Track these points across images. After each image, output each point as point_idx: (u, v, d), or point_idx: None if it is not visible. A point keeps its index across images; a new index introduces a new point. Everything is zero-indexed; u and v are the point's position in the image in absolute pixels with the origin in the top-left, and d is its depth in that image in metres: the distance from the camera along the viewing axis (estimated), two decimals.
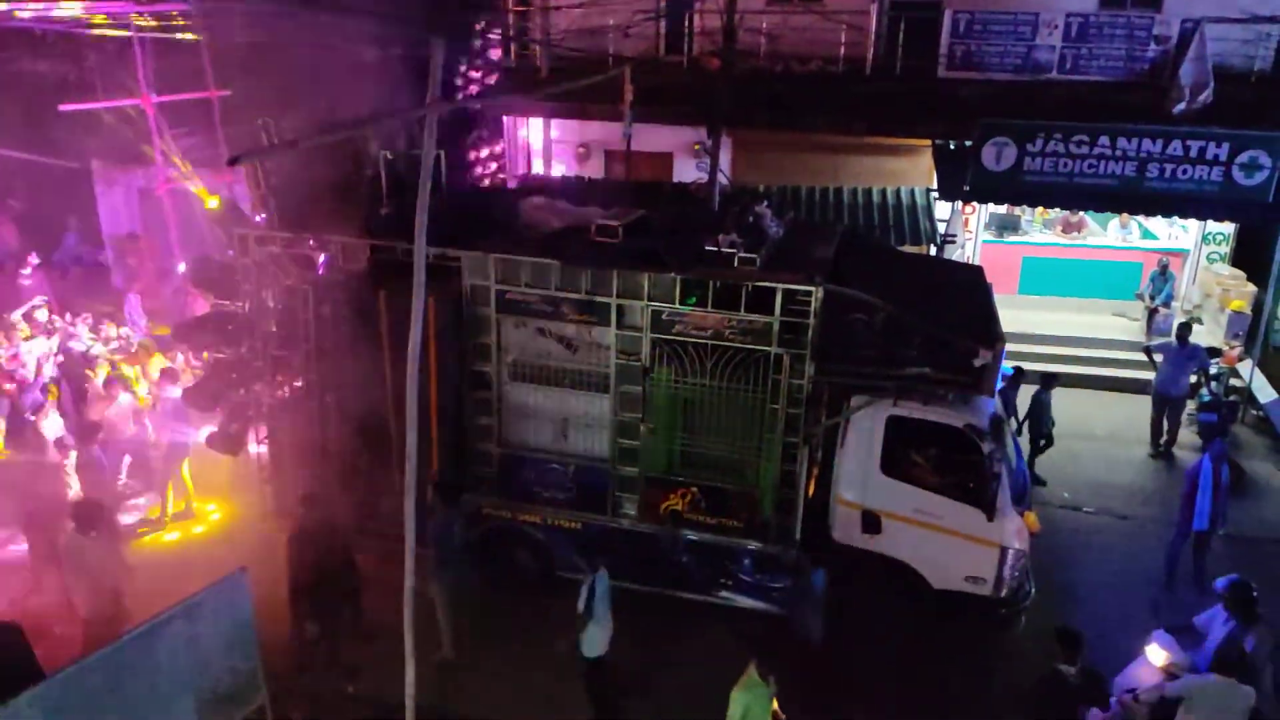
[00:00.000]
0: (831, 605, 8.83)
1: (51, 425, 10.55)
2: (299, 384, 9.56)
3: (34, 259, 15.34)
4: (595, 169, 17.01)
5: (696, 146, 16.23)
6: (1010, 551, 8.34)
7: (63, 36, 16.20)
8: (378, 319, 8.93)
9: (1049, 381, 11.91)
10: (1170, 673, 7.23)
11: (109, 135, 15.78)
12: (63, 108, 15.12)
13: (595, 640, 7.74)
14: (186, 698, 6.46)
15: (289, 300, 9.35)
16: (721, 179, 13.71)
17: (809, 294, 8.11)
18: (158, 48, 15.00)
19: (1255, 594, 7.31)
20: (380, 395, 9.06)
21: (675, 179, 16.52)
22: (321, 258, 9.21)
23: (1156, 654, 7.43)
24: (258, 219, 9.66)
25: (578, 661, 7.84)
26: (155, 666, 6.20)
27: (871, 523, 8.62)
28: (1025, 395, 11.86)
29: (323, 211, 9.13)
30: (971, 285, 9.94)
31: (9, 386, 11.48)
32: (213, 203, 13.43)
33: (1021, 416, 11.80)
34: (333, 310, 9.19)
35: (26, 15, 14.34)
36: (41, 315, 13.10)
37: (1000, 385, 10.95)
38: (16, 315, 12.94)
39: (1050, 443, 11.98)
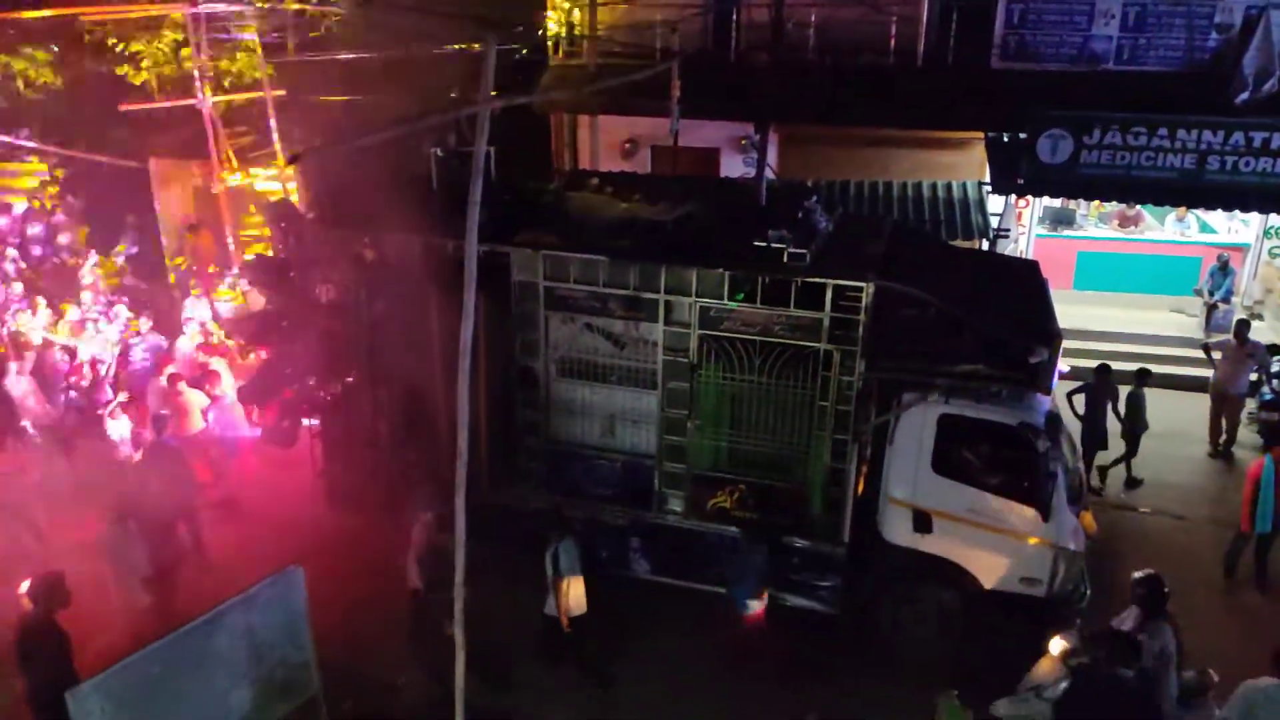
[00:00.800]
0: (884, 605, 8.78)
1: (120, 425, 10.82)
2: (351, 380, 9.69)
3: (94, 257, 15.74)
4: (641, 165, 16.99)
5: (743, 141, 16.13)
6: (1066, 552, 8.19)
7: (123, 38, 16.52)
8: (428, 315, 9.02)
9: (1144, 377, 11.71)
10: (1068, 664, 7.24)
11: (167, 134, 16.19)
12: (122, 108, 15.47)
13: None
14: (242, 687, 6.59)
15: (341, 297, 9.48)
16: (768, 174, 13.62)
17: (860, 290, 8.03)
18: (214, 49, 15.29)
19: (1166, 591, 7.22)
20: (431, 391, 9.15)
21: (722, 174, 16.45)
22: (373, 255, 9.33)
23: (1056, 644, 7.42)
24: (311, 216, 9.81)
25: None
26: (212, 656, 6.34)
27: (922, 522, 8.51)
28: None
29: (375, 209, 9.24)
30: (1027, 280, 9.76)
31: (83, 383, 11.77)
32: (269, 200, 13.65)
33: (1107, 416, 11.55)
34: (384, 307, 9.30)
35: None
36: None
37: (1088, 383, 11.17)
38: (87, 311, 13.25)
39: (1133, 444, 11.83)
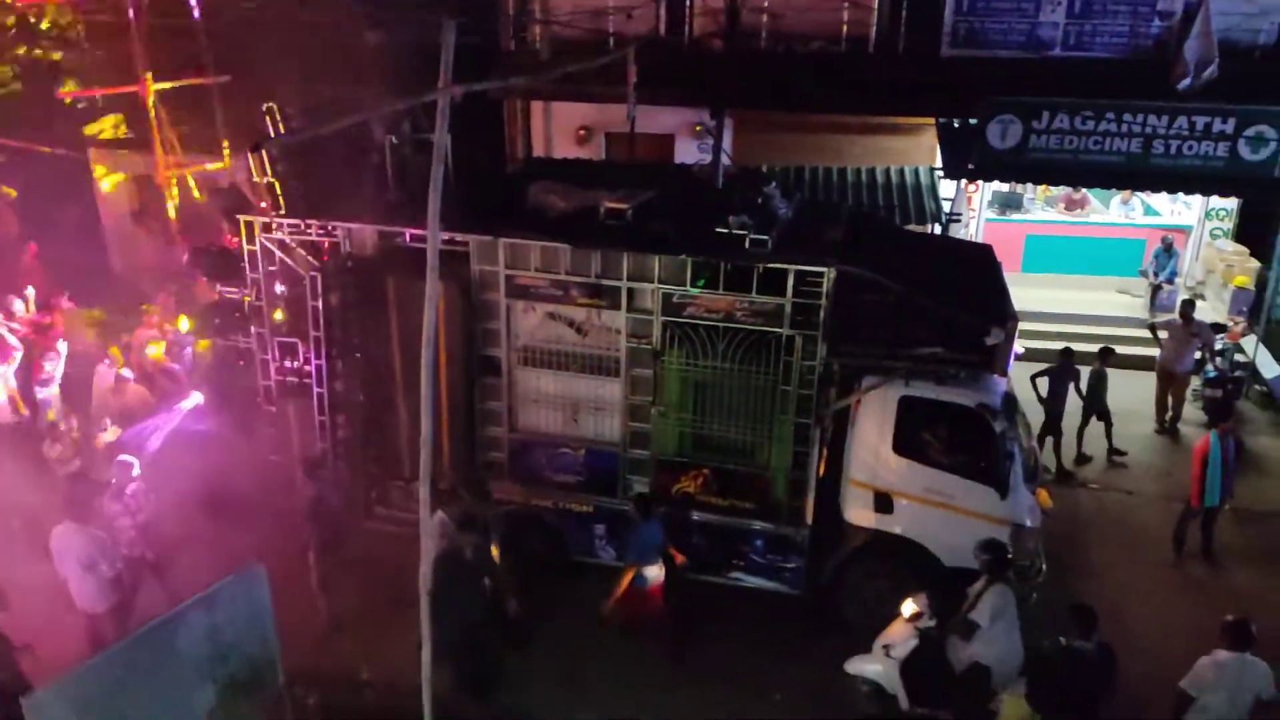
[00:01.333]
0: (847, 585, 8.90)
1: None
2: (307, 371, 9.53)
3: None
4: (596, 151, 16.91)
5: (698, 128, 16.12)
6: (1023, 529, 8.36)
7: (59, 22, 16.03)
8: (386, 305, 8.91)
9: (1106, 356, 12.00)
10: (917, 625, 7.54)
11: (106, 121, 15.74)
12: (60, 94, 15.00)
13: None
14: (206, 686, 6.45)
15: (295, 287, 9.31)
16: (724, 160, 13.65)
17: (821, 275, 8.09)
18: (155, 33, 14.86)
19: (1009, 555, 7.55)
20: (390, 382, 9.05)
21: (677, 160, 16.43)
22: (328, 244, 9.18)
23: (908, 607, 7.67)
24: (261, 205, 9.60)
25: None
26: (175, 657, 6.19)
27: (883, 503, 8.63)
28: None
29: (330, 197, 9.09)
30: (982, 264, 9.92)
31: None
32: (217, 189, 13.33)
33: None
34: (340, 297, 9.16)
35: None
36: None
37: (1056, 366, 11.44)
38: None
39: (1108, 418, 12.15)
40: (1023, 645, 7.44)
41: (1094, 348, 14.20)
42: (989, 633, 7.26)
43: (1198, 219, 16.06)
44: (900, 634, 7.69)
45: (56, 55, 15.88)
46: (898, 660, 7.57)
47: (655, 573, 8.48)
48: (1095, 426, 12.15)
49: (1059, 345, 14.49)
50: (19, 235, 16.65)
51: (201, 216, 15.02)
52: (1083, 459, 12.21)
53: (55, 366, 11.53)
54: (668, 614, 8.62)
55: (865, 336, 8.33)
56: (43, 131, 16.12)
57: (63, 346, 11.71)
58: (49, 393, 11.37)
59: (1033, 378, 11.62)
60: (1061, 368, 11.65)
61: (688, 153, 16.49)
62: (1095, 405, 12.03)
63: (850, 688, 7.93)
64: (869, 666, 7.84)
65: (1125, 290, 16.06)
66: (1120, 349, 14.25)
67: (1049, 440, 11.88)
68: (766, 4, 14.31)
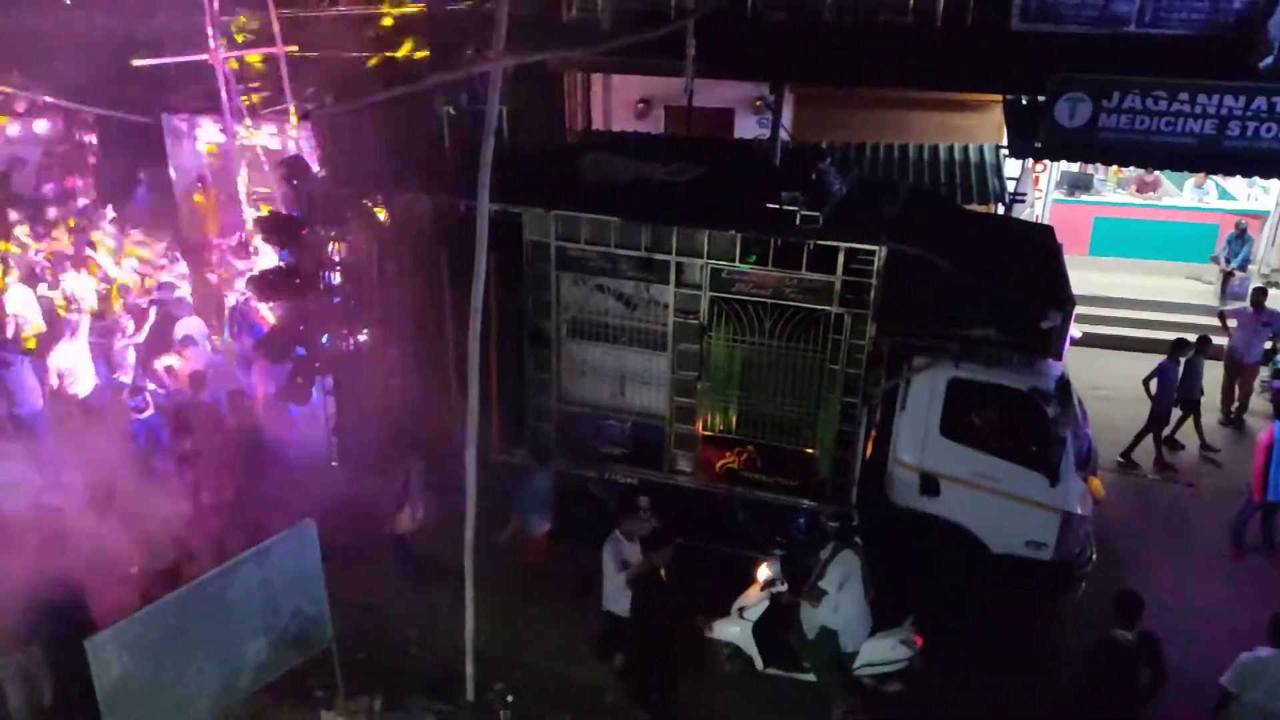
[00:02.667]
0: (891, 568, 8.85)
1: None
2: (364, 338, 9.75)
3: (110, 212, 15.76)
4: (655, 125, 16.87)
5: (758, 102, 15.99)
6: (1073, 517, 8.23)
7: None
8: (440, 274, 9.04)
9: (1204, 346, 11.70)
10: (768, 590, 7.89)
11: (179, 89, 16.12)
12: (134, 63, 15.40)
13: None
14: (258, 639, 6.72)
15: (354, 255, 9.51)
16: (783, 135, 13.52)
17: (872, 253, 8.01)
18: (227, 4, 15.17)
19: (855, 523, 7.67)
20: (443, 350, 9.20)
21: (736, 135, 16.32)
22: (385, 213, 9.34)
23: (762, 572, 8.01)
24: (323, 174, 9.80)
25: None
26: (227, 609, 6.45)
27: (930, 485, 8.55)
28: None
29: (387, 167, 9.23)
30: (1041, 246, 9.69)
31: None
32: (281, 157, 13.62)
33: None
34: (396, 265, 9.32)
35: None
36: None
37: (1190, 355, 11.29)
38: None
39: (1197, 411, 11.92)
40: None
41: (1160, 335, 13.95)
42: (836, 598, 7.47)
43: (1275, 204, 15.47)
44: (753, 598, 8.03)
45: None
46: (750, 622, 7.89)
47: (540, 523, 8.80)
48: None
49: (1126, 331, 14.29)
50: (95, 200, 17.25)
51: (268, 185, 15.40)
52: (1174, 445, 11.95)
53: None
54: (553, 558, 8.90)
55: (916, 316, 8.24)
56: (119, 100, 16.59)
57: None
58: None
59: (1144, 381, 11.38)
60: (1172, 362, 11.34)
61: (748, 128, 16.38)
62: (1188, 394, 11.69)
63: (713, 650, 8.16)
64: (727, 629, 8.08)
65: (1196, 276, 15.58)
66: (1188, 337, 13.92)
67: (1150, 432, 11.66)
68: None
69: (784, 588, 7.83)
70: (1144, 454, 11.81)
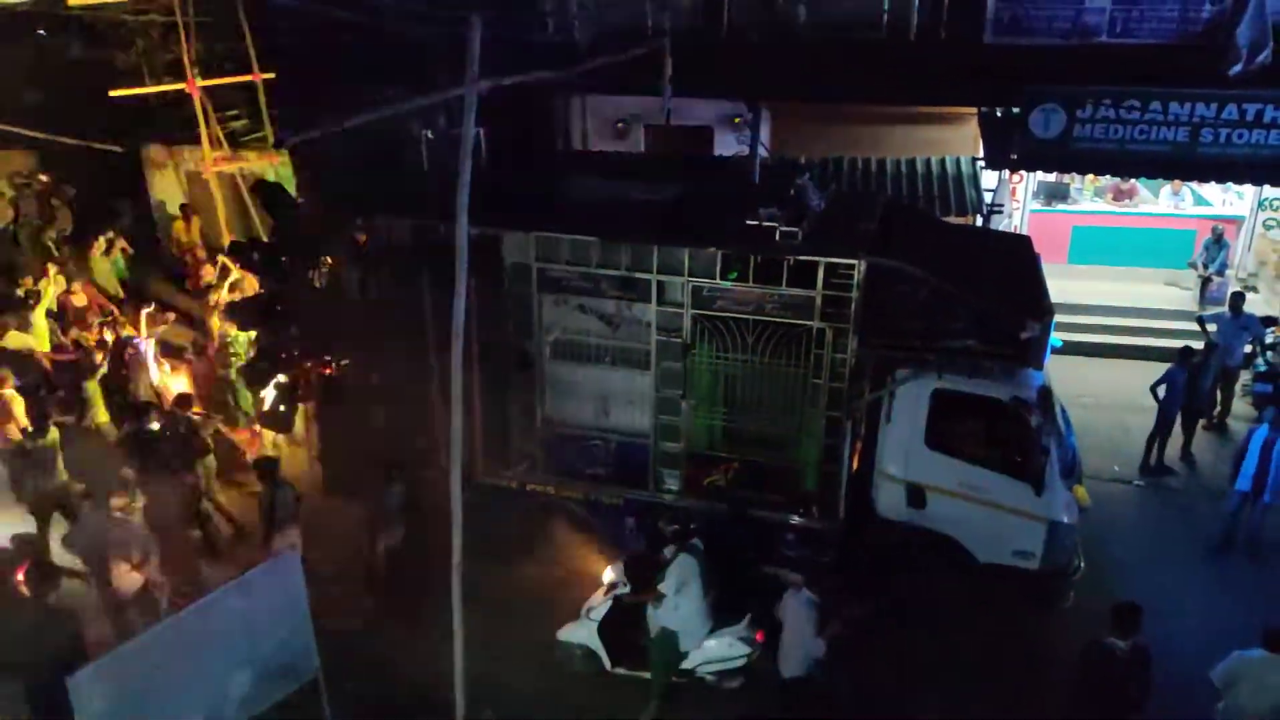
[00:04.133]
0: (877, 579, 8.84)
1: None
2: (345, 363, 9.70)
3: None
4: (634, 144, 16.91)
5: (736, 120, 16.03)
6: (1059, 526, 8.24)
7: (112, 24, 16.43)
8: (420, 298, 9.02)
9: (1212, 351, 11.84)
10: (612, 591, 8.19)
11: (158, 120, 16.07)
12: (113, 93, 15.38)
13: None
14: (243, 672, 6.63)
15: (334, 280, 9.48)
16: (761, 152, 13.58)
17: (852, 267, 8.04)
18: (203, 32, 15.19)
19: (693, 525, 8.18)
20: (425, 374, 9.16)
21: (715, 152, 16.38)
22: (365, 238, 9.32)
23: (607, 574, 8.37)
24: (302, 200, 9.79)
25: None
26: (210, 642, 6.37)
27: (916, 497, 8.55)
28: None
29: (366, 191, 9.22)
30: (1019, 256, 9.77)
31: None
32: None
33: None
34: (377, 289, 9.30)
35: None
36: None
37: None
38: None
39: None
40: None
41: (1140, 341, 14.06)
42: (675, 599, 7.69)
43: (1250, 209, 15.62)
44: (598, 599, 8.32)
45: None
46: (595, 623, 8.14)
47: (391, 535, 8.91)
48: (1141, 421, 11.88)
49: (1105, 339, 14.36)
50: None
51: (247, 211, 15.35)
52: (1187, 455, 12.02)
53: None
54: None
55: (897, 329, 8.27)
56: (97, 129, 16.53)
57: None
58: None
59: (1152, 388, 11.39)
60: (1180, 368, 11.39)
61: (726, 145, 16.42)
62: (1195, 401, 11.76)
63: (566, 652, 8.35)
64: (576, 630, 8.30)
65: (1174, 283, 15.68)
66: (1168, 343, 14.01)
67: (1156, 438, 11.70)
68: None
69: (626, 589, 8.02)
70: (1139, 461, 11.89)
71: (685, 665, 7.96)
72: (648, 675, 8.04)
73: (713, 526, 8.75)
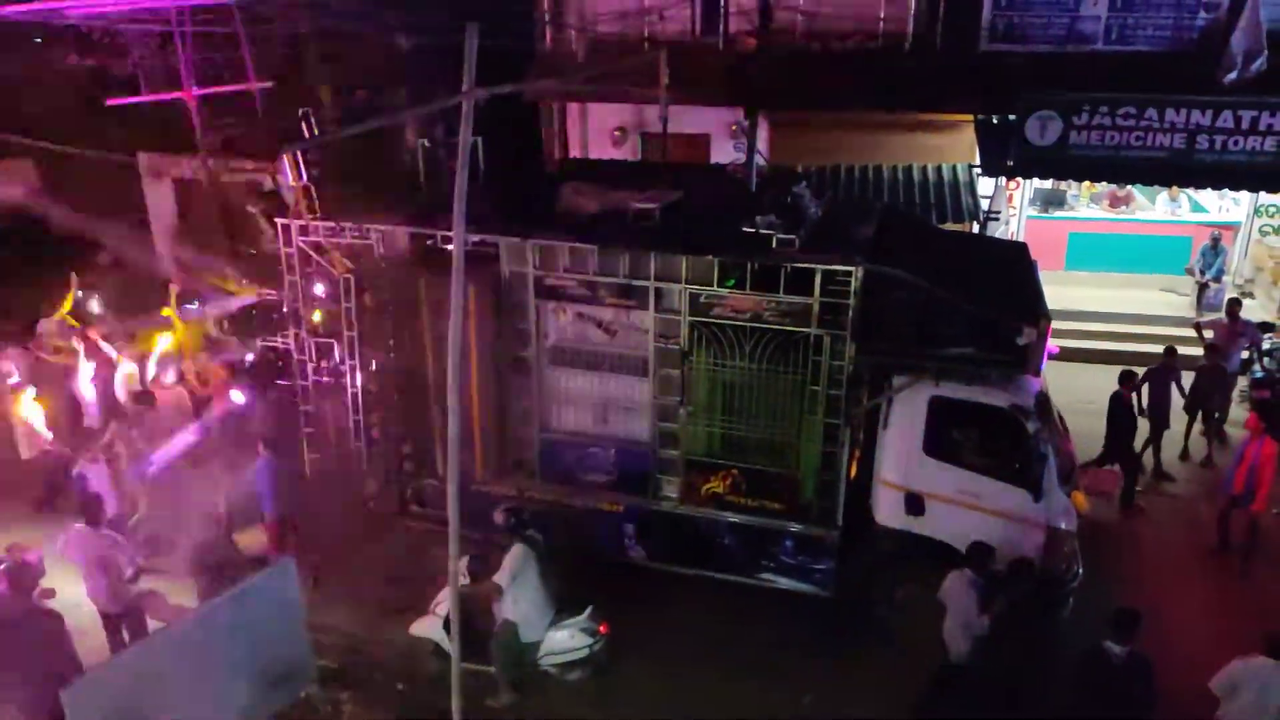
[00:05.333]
0: (878, 587, 8.84)
1: None
2: (342, 371, 9.68)
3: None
4: (632, 152, 16.95)
5: (734, 127, 16.07)
6: (1058, 532, 8.23)
7: (108, 33, 16.47)
8: (418, 306, 9.02)
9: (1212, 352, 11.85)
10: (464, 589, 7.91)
11: (154, 128, 16.08)
12: (109, 102, 15.40)
13: None
14: (238, 682, 6.57)
15: (331, 289, 9.47)
16: (759, 160, 13.61)
17: (848, 274, 8.04)
18: (200, 41, 15.21)
19: (526, 518, 8.23)
20: (422, 381, 9.16)
21: (712, 160, 16.40)
22: (362, 246, 9.32)
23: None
24: (297, 208, 9.78)
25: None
26: (206, 652, 6.31)
27: (915, 504, 8.54)
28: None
29: (363, 200, 9.22)
30: (1016, 262, 9.78)
31: None
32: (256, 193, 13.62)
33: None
34: (374, 298, 9.29)
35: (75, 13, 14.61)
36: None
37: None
38: None
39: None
40: None
41: (1137, 348, 14.05)
42: (512, 592, 7.84)
43: (1246, 215, 15.67)
44: (444, 594, 8.21)
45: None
46: (440, 618, 8.16)
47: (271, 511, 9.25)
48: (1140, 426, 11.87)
49: (1102, 345, 14.36)
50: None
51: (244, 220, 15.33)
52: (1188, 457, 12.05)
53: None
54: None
55: (894, 336, 8.27)
56: (93, 138, 16.54)
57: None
58: None
59: (1135, 388, 11.21)
60: (1163, 368, 11.39)
61: (724, 153, 16.44)
62: (1199, 405, 11.80)
63: (419, 648, 8.40)
64: (426, 627, 8.35)
65: (1171, 289, 15.73)
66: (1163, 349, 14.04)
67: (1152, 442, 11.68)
68: (801, 1, 14.26)
69: (466, 582, 8.02)
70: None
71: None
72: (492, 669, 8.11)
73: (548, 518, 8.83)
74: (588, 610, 8.14)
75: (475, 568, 8.02)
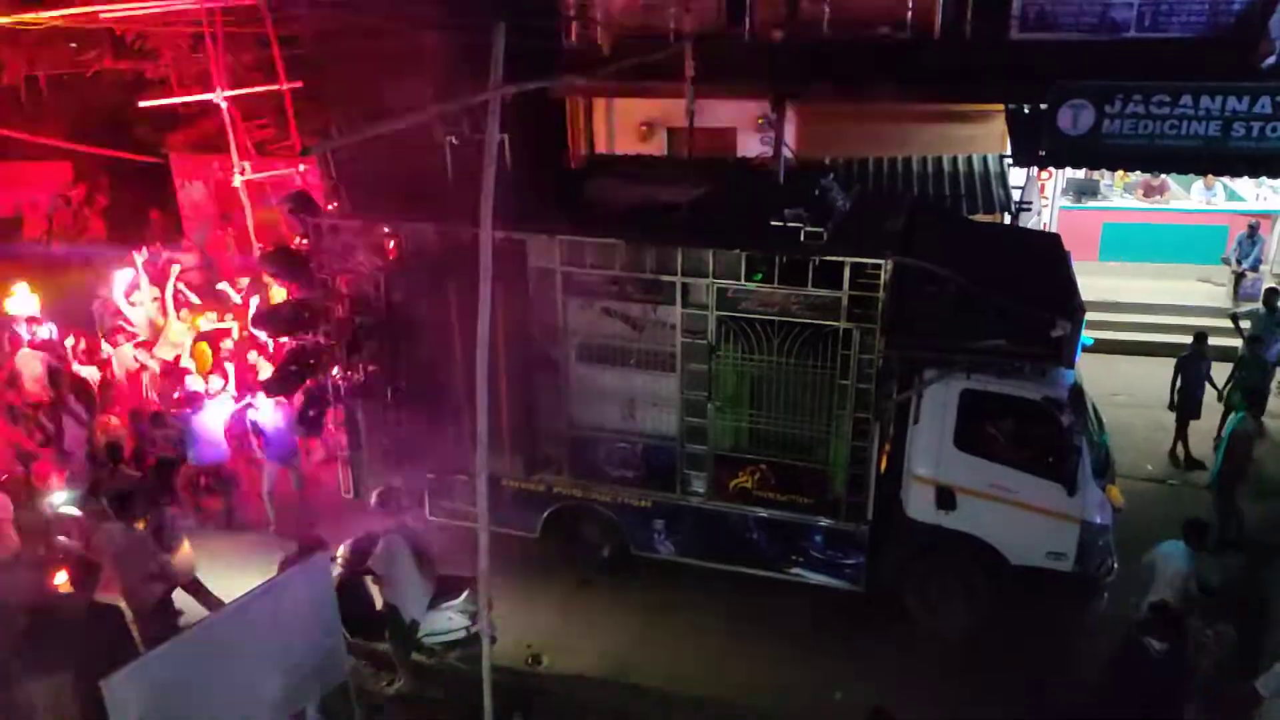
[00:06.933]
0: (910, 582, 8.80)
1: None
2: (373, 369, 9.76)
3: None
4: (659, 147, 16.92)
5: (760, 120, 15.99)
6: (1093, 526, 8.14)
7: (140, 35, 16.68)
8: (447, 303, 9.05)
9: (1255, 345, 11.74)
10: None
11: (187, 129, 16.30)
12: (142, 104, 15.60)
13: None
14: (274, 675, 6.66)
15: (361, 287, 9.54)
16: (786, 153, 13.53)
17: (878, 267, 7.97)
18: (231, 43, 15.37)
19: (403, 499, 8.50)
20: (451, 378, 9.20)
21: (739, 154, 16.34)
22: (391, 244, 9.38)
23: (339, 552, 8.42)
24: (329, 207, 9.86)
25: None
26: (242, 645, 6.41)
27: (946, 498, 8.48)
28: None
29: (392, 198, 9.27)
30: (1049, 254, 9.66)
31: None
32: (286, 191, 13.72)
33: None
34: (403, 295, 9.35)
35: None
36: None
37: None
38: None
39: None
40: None
41: (1172, 339, 13.85)
42: (389, 576, 7.95)
43: None
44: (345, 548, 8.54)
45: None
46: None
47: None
48: (1172, 417, 11.70)
49: (1138, 336, 14.17)
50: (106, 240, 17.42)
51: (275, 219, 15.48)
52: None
53: None
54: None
55: (925, 329, 8.19)
56: (126, 140, 16.81)
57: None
58: None
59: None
60: (1193, 356, 11.21)
61: (751, 146, 16.37)
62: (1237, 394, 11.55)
63: None
64: None
65: (1207, 279, 15.49)
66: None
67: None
68: None
69: (341, 567, 8.22)
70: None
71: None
72: (383, 646, 8.23)
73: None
74: (465, 593, 8.26)
75: (359, 547, 8.22)
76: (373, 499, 8.40)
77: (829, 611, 9.06)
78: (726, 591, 9.27)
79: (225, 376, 11.72)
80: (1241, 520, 10.17)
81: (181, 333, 12.69)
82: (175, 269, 13.23)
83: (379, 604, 8.14)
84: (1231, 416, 10.37)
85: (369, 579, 8.11)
